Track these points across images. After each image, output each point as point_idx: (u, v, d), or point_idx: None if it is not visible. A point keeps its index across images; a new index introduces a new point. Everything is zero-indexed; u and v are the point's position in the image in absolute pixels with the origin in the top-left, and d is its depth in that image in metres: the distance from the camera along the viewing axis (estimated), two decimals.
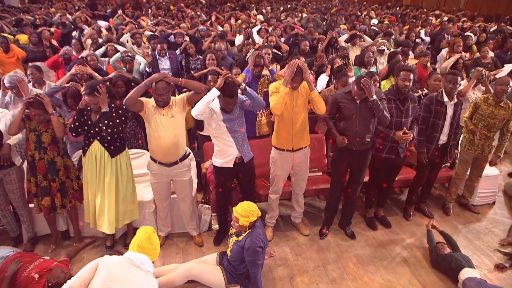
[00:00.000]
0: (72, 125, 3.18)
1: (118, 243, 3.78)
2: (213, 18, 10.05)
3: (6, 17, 9.57)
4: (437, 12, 13.94)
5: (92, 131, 3.21)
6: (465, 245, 3.82)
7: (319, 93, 3.73)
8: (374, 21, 10.75)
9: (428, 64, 5.62)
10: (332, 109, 3.58)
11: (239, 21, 9.84)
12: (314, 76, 5.19)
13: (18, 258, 2.98)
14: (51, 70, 5.84)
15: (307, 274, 3.43)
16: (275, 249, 3.63)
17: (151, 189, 3.61)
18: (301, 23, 9.53)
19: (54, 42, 7.01)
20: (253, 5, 15.72)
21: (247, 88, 3.20)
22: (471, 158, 4.18)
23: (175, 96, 3.40)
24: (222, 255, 3.16)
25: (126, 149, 3.43)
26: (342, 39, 7.10)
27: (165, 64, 5.58)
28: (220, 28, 8.54)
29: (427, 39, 8.41)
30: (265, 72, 4.37)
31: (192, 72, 5.26)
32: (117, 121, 3.17)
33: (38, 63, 5.51)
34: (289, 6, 15.25)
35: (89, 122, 3.20)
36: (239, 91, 3.20)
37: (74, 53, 5.79)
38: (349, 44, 7.00)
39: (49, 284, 2.85)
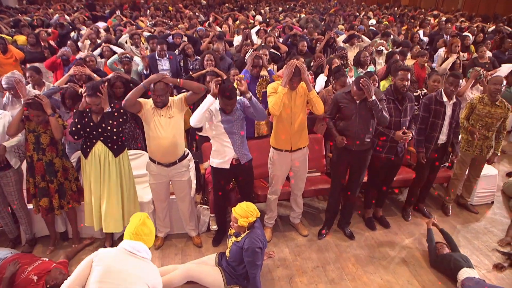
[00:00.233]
0: (74, 128, 3.16)
1: (116, 244, 3.72)
2: (211, 18, 10.04)
3: (3, 18, 9.55)
4: (435, 12, 13.96)
5: (94, 132, 3.21)
6: (464, 245, 3.83)
7: (318, 93, 3.73)
8: (372, 21, 10.77)
9: (426, 64, 5.63)
10: (333, 109, 3.58)
11: (237, 22, 9.85)
12: (313, 76, 5.20)
13: (16, 259, 2.97)
14: (49, 71, 5.83)
15: (306, 275, 3.43)
16: (274, 250, 3.63)
17: (150, 190, 3.61)
18: (300, 24, 9.54)
19: (52, 43, 7.00)
20: (251, 6, 15.74)
21: (253, 98, 3.21)
22: (469, 159, 4.19)
23: (173, 96, 3.40)
24: (221, 256, 3.16)
25: (126, 149, 3.46)
26: (340, 39, 7.11)
27: (164, 65, 5.56)
28: (218, 29, 8.54)
29: (425, 39, 8.42)
30: (264, 72, 4.37)
31: (190, 72, 5.25)
32: (120, 120, 3.23)
33: (36, 64, 5.51)
34: (287, 6, 15.26)
35: (91, 124, 3.19)
36: (244, 98, 3.21)
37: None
38: (347, 44, 7.01)
39: (48, 286, 2.84)
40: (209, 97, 3.12)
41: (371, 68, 5.65)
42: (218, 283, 2.97)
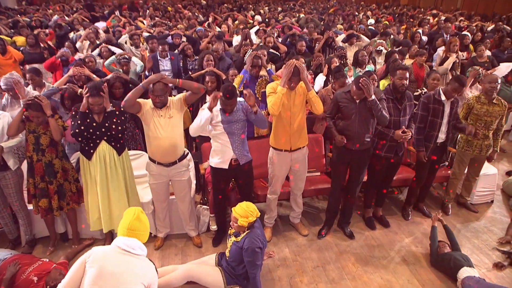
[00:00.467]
0: (77, 130, 3.13)
1: None
2: (210, 19, 10.04)
3: (2, 19, 9.54)
4: (434, 11, 13.97)
5: (98, 132, 3.21)
6: (464, 244, 3.83)
7: (317, 93, 3.73)
8: (371, 20, 10.77)
9: (424, 64, 5.63)
10: (333, 109, 3.58)
11: (236, 22, 9.84)
12: (313, 76, 5.20)
13: (16, 260, 2.96)
14: (48, 72, 5.83)
15: (306, 274, 3.43)
16: (274, 250, 3.63)
17: (149, 190, 3.61)
18: (300, 23, 9.54)
19: (50, 43, 6.99)
20: (250, 6, 15.73)
21: (259, 111, 3.27)
22: (468, 159, 4.19)
23: (172, 96, 3.40)
24: (221, 256, 3.16)
25: (126, 148, 3.48)
26: (339, 39, 7.11)
27: (166, 65, 5.56)
28: (217, 29, 8.54)
29: (425, 38, 8.42)
30: (263, 72, 4.37)
31: (189, 73, 5.26)
32: (122, 118, 3.27)
33: (36, 65, 5.51)
34: (287, 6, 15.26)
35: (94, 124, 3.19)
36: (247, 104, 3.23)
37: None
38: (346, 44, 7.01)
39: (48, 287, 2.84)
40: (206, 111, 3.16)
41: (371, 67, 5.65)
42: (218, 283, 2.97)
